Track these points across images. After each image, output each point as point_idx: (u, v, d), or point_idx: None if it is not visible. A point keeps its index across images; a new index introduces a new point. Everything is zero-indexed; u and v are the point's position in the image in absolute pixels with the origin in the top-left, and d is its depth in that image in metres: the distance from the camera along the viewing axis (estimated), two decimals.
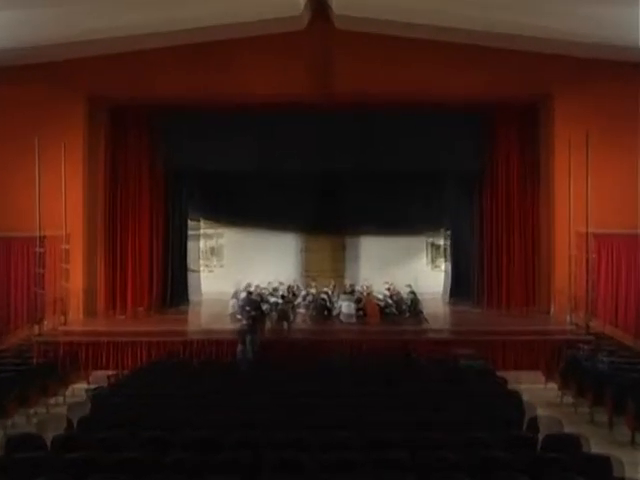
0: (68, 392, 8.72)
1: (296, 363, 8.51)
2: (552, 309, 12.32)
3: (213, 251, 16.09)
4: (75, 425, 5.60)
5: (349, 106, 12.35)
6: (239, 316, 10.74)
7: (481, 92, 11.99)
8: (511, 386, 7.36)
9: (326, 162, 12.70)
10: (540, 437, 5.37)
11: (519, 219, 13.02)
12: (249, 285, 12.71)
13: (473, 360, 8.85)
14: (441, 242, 16.09)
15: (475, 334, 10.44)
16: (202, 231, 15.85)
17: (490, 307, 13.14)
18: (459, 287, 14.78)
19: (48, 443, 5.09)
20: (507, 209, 13.09)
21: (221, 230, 16.17)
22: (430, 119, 12.50)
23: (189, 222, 14.65)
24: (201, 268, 15.71)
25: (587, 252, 10.78)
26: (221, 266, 16.10)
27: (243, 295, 11.04)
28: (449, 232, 15.21)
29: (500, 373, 8.50)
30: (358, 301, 12.06)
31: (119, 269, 12.94)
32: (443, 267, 15.83)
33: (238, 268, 15.31)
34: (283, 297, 12.47)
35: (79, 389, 8.66)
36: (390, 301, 12.15)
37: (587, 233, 10.74)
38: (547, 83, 12.11)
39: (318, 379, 7.26)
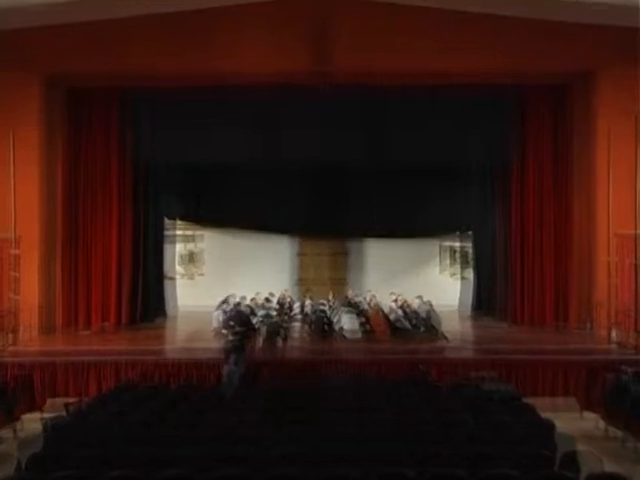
0: (19, 424, 8.57)
1: (291, 387, 8.42)
2: (590, 324, 12.27)
3: (192, 257, 16.03)
4: (26, 464, 5.49)
5: (353, 89, 12.30)
6: (225, 331, 10.68)
7: (508, 70, 11.92)
8: (542, 414, 7.28)
9: (326, 153, 12.65)
10: (579, 477, 5.29)
11: (552, 219, 12.97)
12: (234, 296, 12.65)
13: (498, 384, 8.78)
14: (459, 246, 16.09)
15: (500, 353, 10.39)
16: (179, 232, 15.79)
17: (517, 322, 13.11)
18: (481, 298, 14.77)
19: None
20: (538, 207, 13.03)
21: (201, 232, 16.12)
22: (448, 103, 12.47)
23: (164, 222, 14.61)
24: (177, 276, 15.66)
25: (636, 257, 10.70)
26: (201, 274, 16.04)
27: (229, 307, 10.98)
28: (470, 234, 15.18)
29: (529, 399, 8.42)
30: (363, 314, 12.01)
31: (82, 277, 12.87)
32: (461, 275, 15.82)
33: (221, 276, 15.27)
34: (276, 310, 12.44)
35: (32, 420, 8.49)
36: (401, 313, 12.13)
37: (635, 235, 10.67)
38: (588, 59, 12.00)
39: (317, 406, 7.18)
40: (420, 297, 12.69)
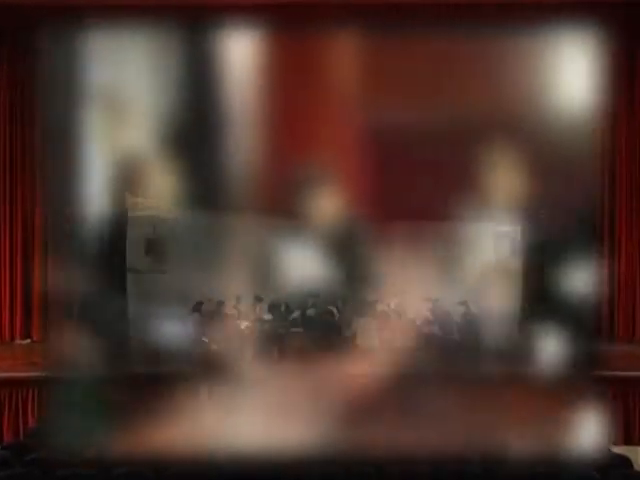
0: None
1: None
2: None
3: (152, 244, 15.99)
4: None
5: (377, 12, 12.17)
6: (205, 339, 10.72)
7: None
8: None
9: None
10: None
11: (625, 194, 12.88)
12: (207, 300, 12.61)
13: None
14: (502, 231, 16.07)
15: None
16: (137, 213, 15.69)
17: None
18: (530, 299, 14.74)
19: None
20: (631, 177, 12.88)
21: (164, 211, 16.04)
22: (511, 31, 12.14)
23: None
24: (141, 270, 15.64)
25: None
26: (165, 270, 15.99)
27: (211, 308, 10.95)
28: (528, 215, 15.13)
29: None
30: (381, 317, 12.01)
31: (19, 271, 12.74)
32: (505, 269, 15.82)
33: (193, 271, 15.21)
34: (271, 311, 12.44)
35: None
36: (430, 317, 12.13)
37: None
38: None
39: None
40: (454, 296, 12.68)
